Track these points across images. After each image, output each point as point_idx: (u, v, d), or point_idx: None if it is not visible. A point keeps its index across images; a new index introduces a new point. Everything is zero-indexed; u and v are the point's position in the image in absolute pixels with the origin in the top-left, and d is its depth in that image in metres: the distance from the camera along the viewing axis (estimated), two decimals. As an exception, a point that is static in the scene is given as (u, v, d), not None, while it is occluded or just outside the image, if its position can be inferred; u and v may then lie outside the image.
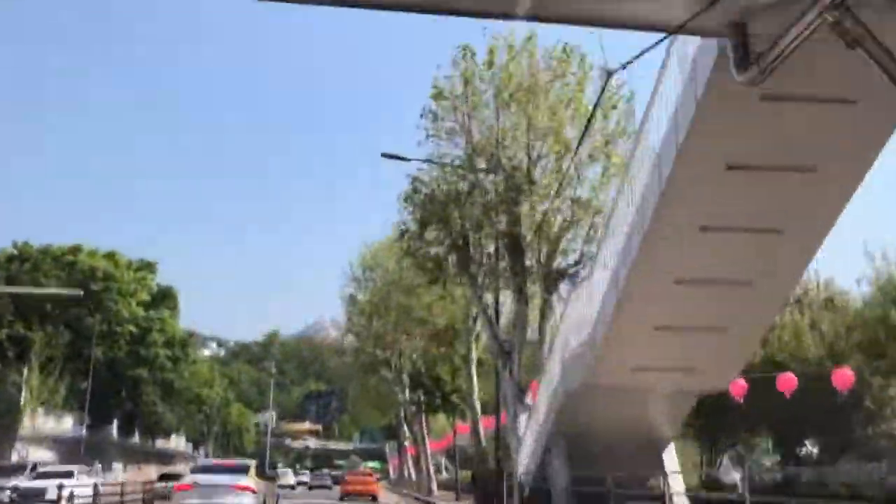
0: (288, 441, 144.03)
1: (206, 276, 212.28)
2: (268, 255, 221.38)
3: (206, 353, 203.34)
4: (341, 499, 37.27)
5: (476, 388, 26.96)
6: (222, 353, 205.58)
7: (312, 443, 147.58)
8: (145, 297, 51.37)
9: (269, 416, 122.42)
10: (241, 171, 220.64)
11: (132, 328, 48.13)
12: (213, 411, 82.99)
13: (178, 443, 73.05)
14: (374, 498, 37.13)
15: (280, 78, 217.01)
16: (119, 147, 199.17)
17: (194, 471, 20.46)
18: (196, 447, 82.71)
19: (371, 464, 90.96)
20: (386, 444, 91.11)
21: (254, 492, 17.01)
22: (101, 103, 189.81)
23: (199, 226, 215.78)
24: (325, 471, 79.34)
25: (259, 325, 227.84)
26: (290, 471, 64.08)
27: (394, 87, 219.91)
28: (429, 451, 40.05)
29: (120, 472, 46.65)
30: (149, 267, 53.62)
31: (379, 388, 46.94)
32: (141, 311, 49.70)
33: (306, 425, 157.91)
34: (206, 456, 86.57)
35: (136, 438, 58.13)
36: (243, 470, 18.22)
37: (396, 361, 39.84)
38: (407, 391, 40.72)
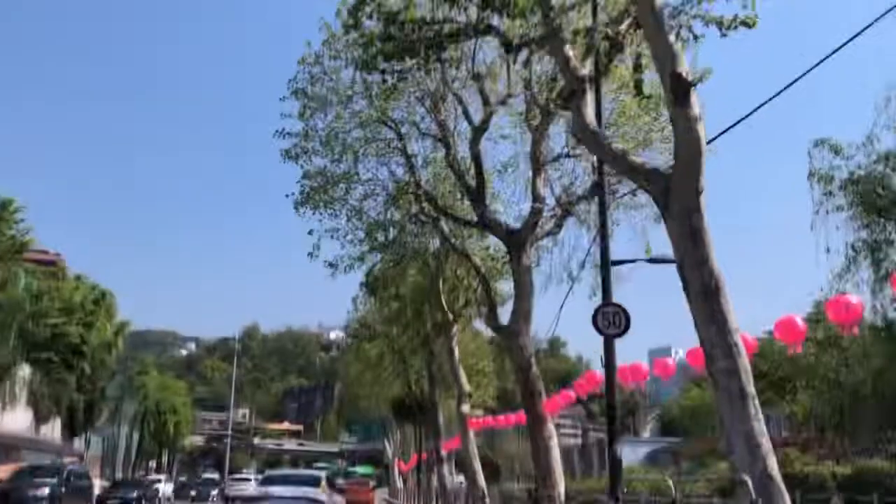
0: (257, 440, 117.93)
1: (190, 276, 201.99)
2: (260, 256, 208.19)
3: (184, 353, 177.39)
4: None
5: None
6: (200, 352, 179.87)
7: (288, 443, 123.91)
8: None
9: (231, 408, 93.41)
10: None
11: None
12: (104, 372, 48.90)
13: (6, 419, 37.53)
14: None
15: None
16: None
17: (264, 482, 19.98)
18: (72, 432, 47.78)
19: (361, 469, 77.90)
20: (385, 440, 66.67)
21: None
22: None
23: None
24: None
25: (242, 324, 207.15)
26: (252, 478, 49.70)
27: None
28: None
29: None
30: None
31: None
32: None
33: (285, 425, 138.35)
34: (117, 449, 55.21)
35: None
36: (315, 482, 18.74)
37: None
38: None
